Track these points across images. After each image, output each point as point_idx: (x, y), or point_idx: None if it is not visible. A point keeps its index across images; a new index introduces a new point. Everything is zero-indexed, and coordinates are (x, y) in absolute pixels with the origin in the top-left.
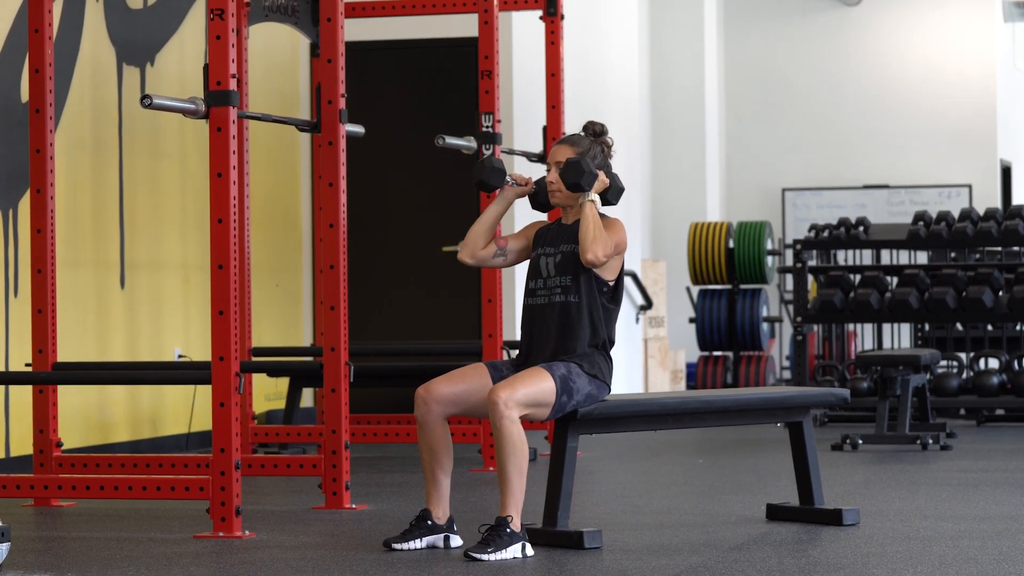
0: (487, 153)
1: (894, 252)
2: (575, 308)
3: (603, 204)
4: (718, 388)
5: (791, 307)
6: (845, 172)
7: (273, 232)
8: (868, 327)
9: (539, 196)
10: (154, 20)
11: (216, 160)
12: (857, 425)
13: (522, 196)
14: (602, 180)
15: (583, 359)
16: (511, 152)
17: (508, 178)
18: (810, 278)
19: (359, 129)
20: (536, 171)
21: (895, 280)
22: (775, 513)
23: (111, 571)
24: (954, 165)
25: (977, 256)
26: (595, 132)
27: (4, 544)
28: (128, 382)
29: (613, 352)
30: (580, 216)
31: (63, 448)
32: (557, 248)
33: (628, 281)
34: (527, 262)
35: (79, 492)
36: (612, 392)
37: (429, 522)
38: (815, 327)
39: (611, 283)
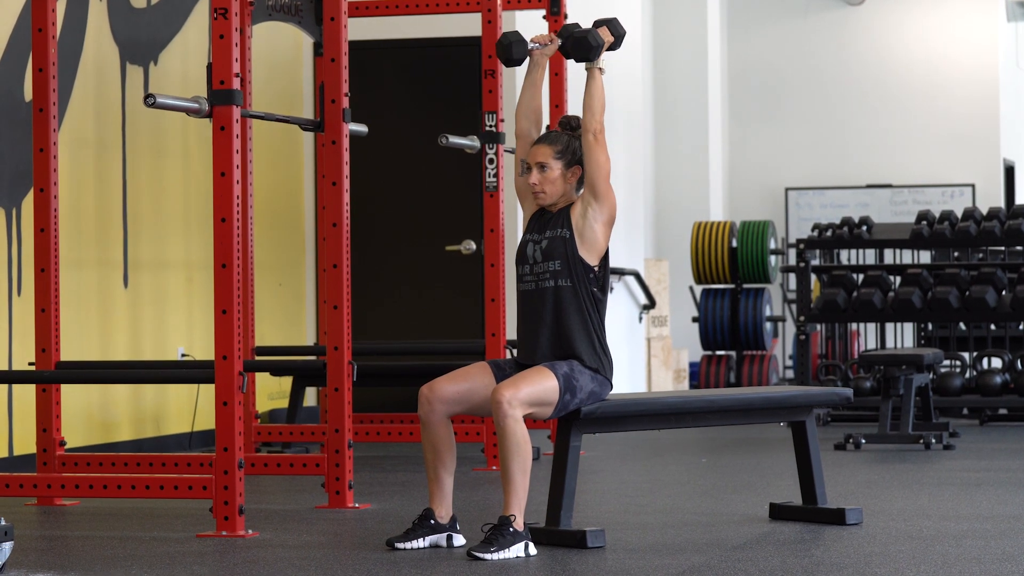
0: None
1: (897, 251)
2: (567, 292)
3: (610, 51)
4: (721, 388)
5: (794, 306)
6: (848, 171)
7: (276, 231)
8: (871, 326)
9: (565, 45)
10: (157, 19)
11: (219, 159)
12: (860, 425)
13: (552, 54)
14: (606, 39)
15: (583, 351)
16: (513, 151)
17: (531, 43)
18: (813, 277)
19: (362, 128)
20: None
21: (898, 280)
22: (778, 512)
23: (114, 570)
24: (957, 164)
25: (980, 256)
26: (571, 127)
27: (7, 543)
28: (131, 381)
29: (615, 351)
30: (587, 85)
31: (66, 447)
32: (543, 235)
33: (631, 280)
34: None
35: (82, 491)
36: (615, 391)
37: (432, 521)
38: (818, 326)
39: (596, 268)
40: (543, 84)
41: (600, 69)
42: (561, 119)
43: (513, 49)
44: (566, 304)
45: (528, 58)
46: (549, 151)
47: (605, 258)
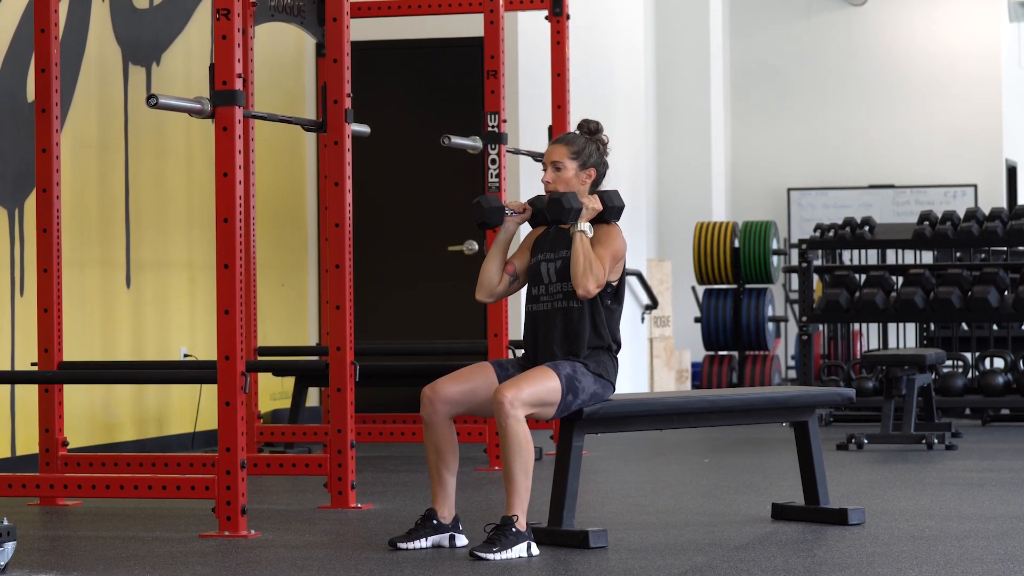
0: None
1: (899, 252)
2: (578, 313)
3: (605, 224)
4: (723, 388)
5: (796, 307)
6: (850, 172)
7: (279, 231)
8: (873, 327)
9: (538, 216)
10: (160, 20)
11: (222, 160)
12: (862, 425)
13: (523, 223)
14: (592, 207)
15: (588, 359)
16: (516, 152)
17: (506, 210)
18: (815, 278)
19: (364, 129)
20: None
21: (900, 280)
22: (780, 512)
23: (117, 570)
24: (959, 165)
25: (982, 256)
26: (590, 130)
27: (10, 543)
28: (134, 381)
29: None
30: (572, 249)
31: (69, 447)
32: (557, 253)
33: (634, 281)
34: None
35: (85, 491)
36: (617, 391)
37: (435, 521)
38: (820, 327)
39: (614, 284)
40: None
41: (583, 232)
42: (580, 122)
43: (491, 216)
44: (578, 323)
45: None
46: (565, 151)
47: (623, 273)
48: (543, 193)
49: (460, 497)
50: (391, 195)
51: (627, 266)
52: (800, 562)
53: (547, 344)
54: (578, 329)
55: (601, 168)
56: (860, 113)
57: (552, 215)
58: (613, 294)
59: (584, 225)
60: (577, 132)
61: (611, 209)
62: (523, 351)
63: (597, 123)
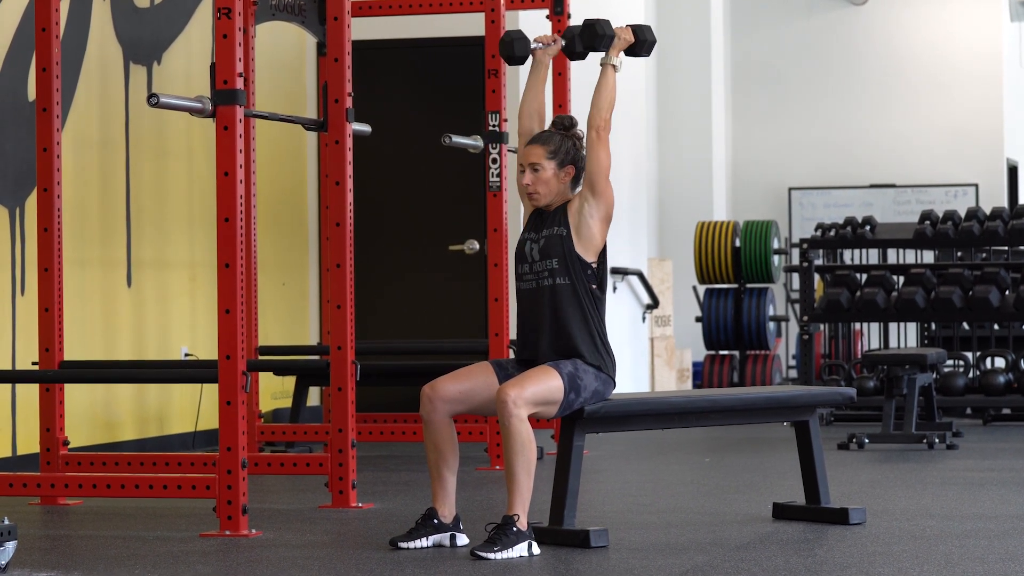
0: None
1: (900, 251)
2: (565, 290)
3: (635, 56)
4: (724, 387)
5: (797, 306)
6: (851, 171)
7: (280, 231)
8: (874, 326)
9: (570, 45)
10: (161, 19)
11: (223, 159)
12: (863, 424)
13: (555, 54)
14: (625, 38)
15: (584, 349)
16: (517, 152)
17: (534, 43)
18: (816, 277)
19: (365, 128)
20: None
21: (901, 279)
22: (781, 512)
23: (117, 569)
24: (960, 164)
25: (983, 255)
26: (564, 126)
27: (11, 542)
28: (135, 381)
29: (618, 351)
30: (598, 80)
31: (70, 447)
32: (539, 234)
33: (635, 280)
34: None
35: (86, 491)
36: (618, 391)
37: (435, 521)
38: (821, 326)
39: (594, 265)
40: (546, 85)
41: (613, 66)
42: (555, 118)
43: (515, 47)
44: (565, 302)
45: (531, 57)
46: (541, 151)
47: (603, 255)
48: (574, 26)
49: (461, 496)
50: (392, 194)
51: (627, 265)
52: (801, 562)
53: (539, 323)
54: (566, 305)
55: (580, 164)
56: (861, 112)
57: (585, 41)
58: (595, 279)
59: (617, 59)
60: (552, 130)
61: (643, 43)
62: (517, 343)
63: (571, 118)
